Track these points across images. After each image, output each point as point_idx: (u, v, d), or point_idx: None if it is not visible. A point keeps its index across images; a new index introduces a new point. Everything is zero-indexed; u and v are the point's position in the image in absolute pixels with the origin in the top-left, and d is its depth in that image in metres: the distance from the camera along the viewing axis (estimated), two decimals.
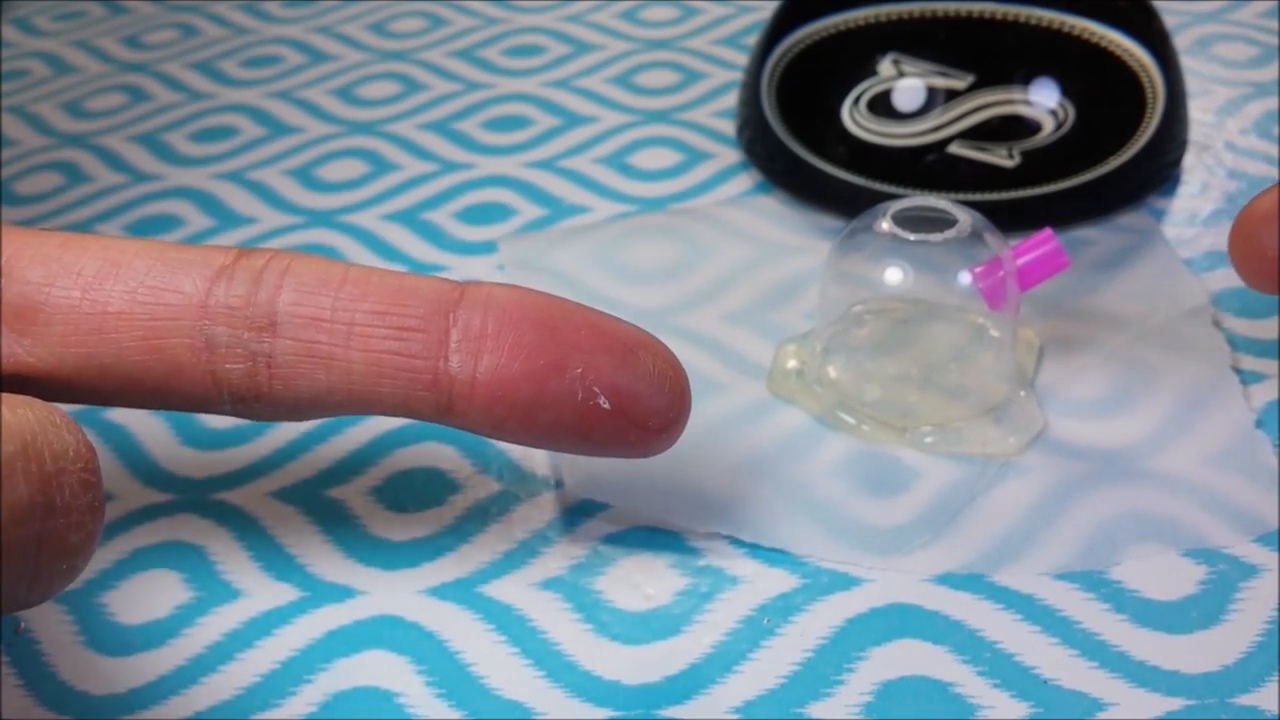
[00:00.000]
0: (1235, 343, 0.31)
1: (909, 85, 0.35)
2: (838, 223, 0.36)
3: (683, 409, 0.23)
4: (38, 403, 0.19)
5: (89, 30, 0.50)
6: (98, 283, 0.21)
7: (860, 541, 0.26)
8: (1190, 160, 0.39)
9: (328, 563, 0.26)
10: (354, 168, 0.40)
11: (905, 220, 0.28)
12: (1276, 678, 0.23)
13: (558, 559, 0.26)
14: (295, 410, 0.22)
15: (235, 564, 0.26)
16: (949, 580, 0.26)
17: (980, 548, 0.26)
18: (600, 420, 0.22)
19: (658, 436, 0.23)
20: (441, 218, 0.38)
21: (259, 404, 0.22)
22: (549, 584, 0.26)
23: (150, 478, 0.29)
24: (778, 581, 0.26)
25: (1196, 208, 0.37)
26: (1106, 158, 0.35)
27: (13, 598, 0.18)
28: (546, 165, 0.40)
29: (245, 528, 0.27)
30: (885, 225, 0.28)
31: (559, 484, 0.28)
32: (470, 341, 0.22)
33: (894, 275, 0.28)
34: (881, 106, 0.35)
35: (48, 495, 0.18)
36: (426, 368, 0.22)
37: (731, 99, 0.43)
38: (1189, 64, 0.43)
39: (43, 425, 0.18)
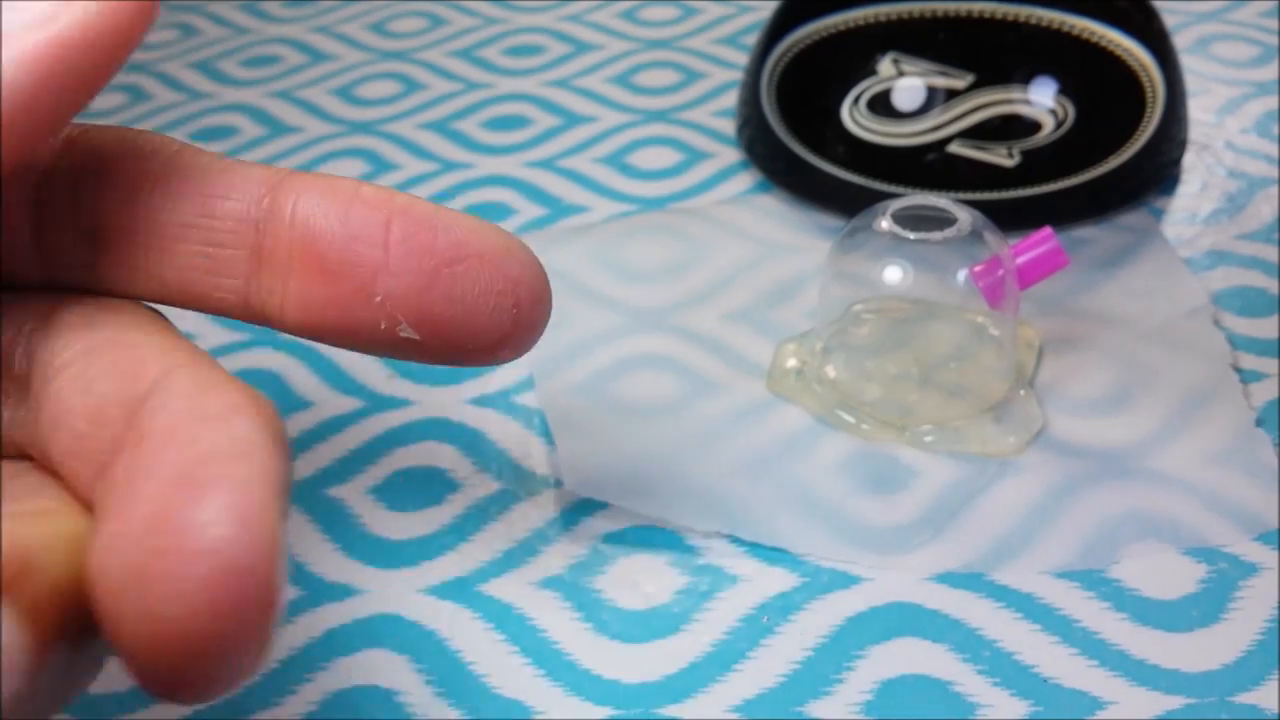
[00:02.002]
0: (1235, 342, 0.31)
1: (909, 85, 0.35)
2: (838, 222, 0.36)
3: (515, 327, 0.20)
4: None
5: None
6: None
7: (860, 540, 0.26)
8: (1190, 160, 0.39)
9: (328, 562, 0.26)
10: (354, 167, 0.40)
11: (905, 219, 0.28)
12: (1276, 676, 0.23)
13: (558, 558, 0.26)
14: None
15: None
16: (949, 579, 0.26)
17: (980, 547, 0.26)
18: (411, 347, 0.20)
19: (488, 356, 0.20)
20: None
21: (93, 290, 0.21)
22: (549, 583, 0.26)
23: None
24: (777, 580, 0.26)
25: (1196, 207, 0.37)
26: (1106, 157, 0.35)
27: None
28: (546, 165, 0.40)
29: None
30: (885, 224, 0.28)
31: (559, 483, 0.28)
32: (277, 263, 0.20)
33: (894, 274, 0.28)
34: (881, 106, 0.35)
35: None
36: (236, 287, 0.20)
37: (731, 99, 0.43)
38: (1189, 64, 0.43)
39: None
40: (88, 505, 0.17)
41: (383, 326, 0.20)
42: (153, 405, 0.16)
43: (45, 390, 0.18)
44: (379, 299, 0.20)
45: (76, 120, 0.21)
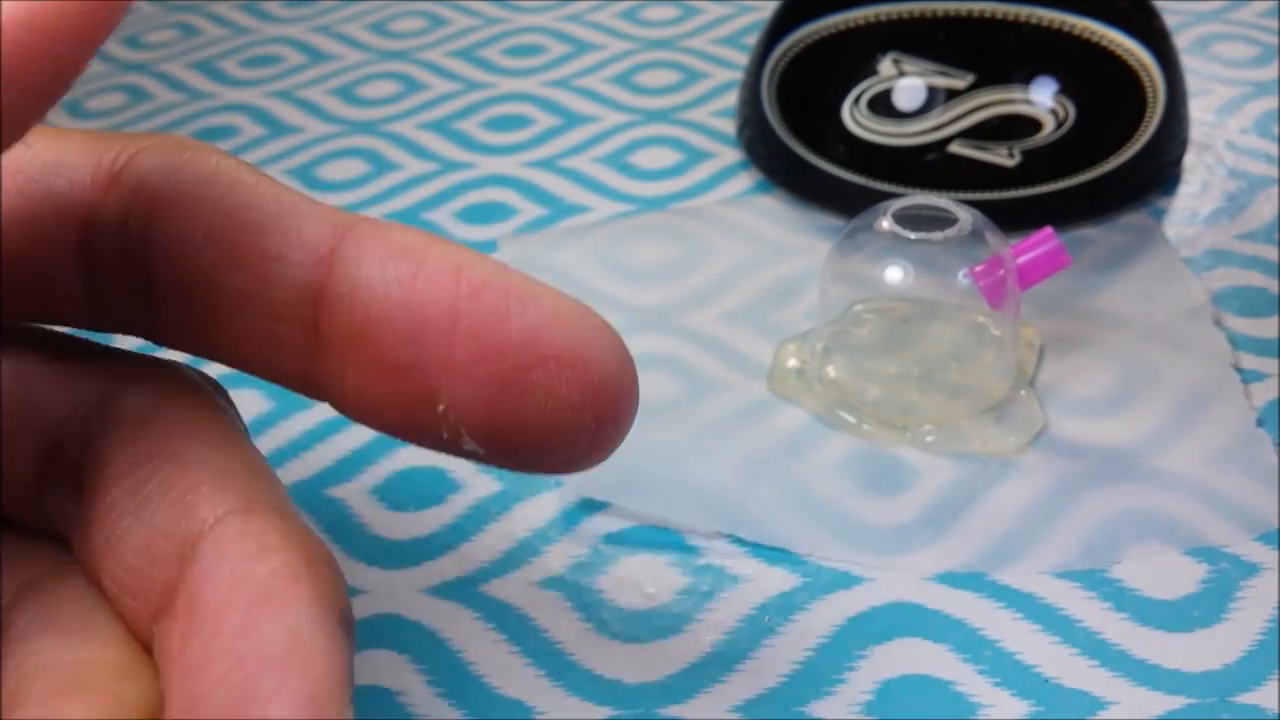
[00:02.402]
0: (1236, 342, 0.31)
1: (909, 85, 0.35)
2: (838, 222, 0.36)
3: (594, 441, 0.17)
4: None
5: None
6: None
7: (861, 540, 0.26)
8: (1190, 159, 0.39)
9: None
10: (354, 167, 0.40)
11: (905, 219, 0.28)
12: (1277, 676, 0.23)
13: (558, 558, 0.26)
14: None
15: None
16: (950, 579, 0.26)
17: (981, 546, 0.26)
18: (481, 459, 0.17)
19: (560, 470, 0.17)
20: (442, 217, 0.38)
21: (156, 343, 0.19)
22: (550, 583, 0.26)
23: None
24: (778, 580, 0.26)
25: (1197, 207, 0.37)
26: (1107, 157, 0.35)
27: None
28: (546, 165, 0.40)
29: None
30: (885, 224, 0.28)
31: (559, 483, 0.28)
32: (334, 347, 0.17)
33: (894, 274, 0.28)
34: (882, 106, 0.35)
35: None
36: (295, 368, 0.18)
37: (731, 99, 0.43)
38: (1189, 63, 0.43)
39: None
40: (144, 643, 0.16)
41: (446, 436, 0.17)
42: (204, 567, 0.15)
43: (96, 499, 0.17)
44: (442, 408, 0.17)
45: (120, 131, 0.19)
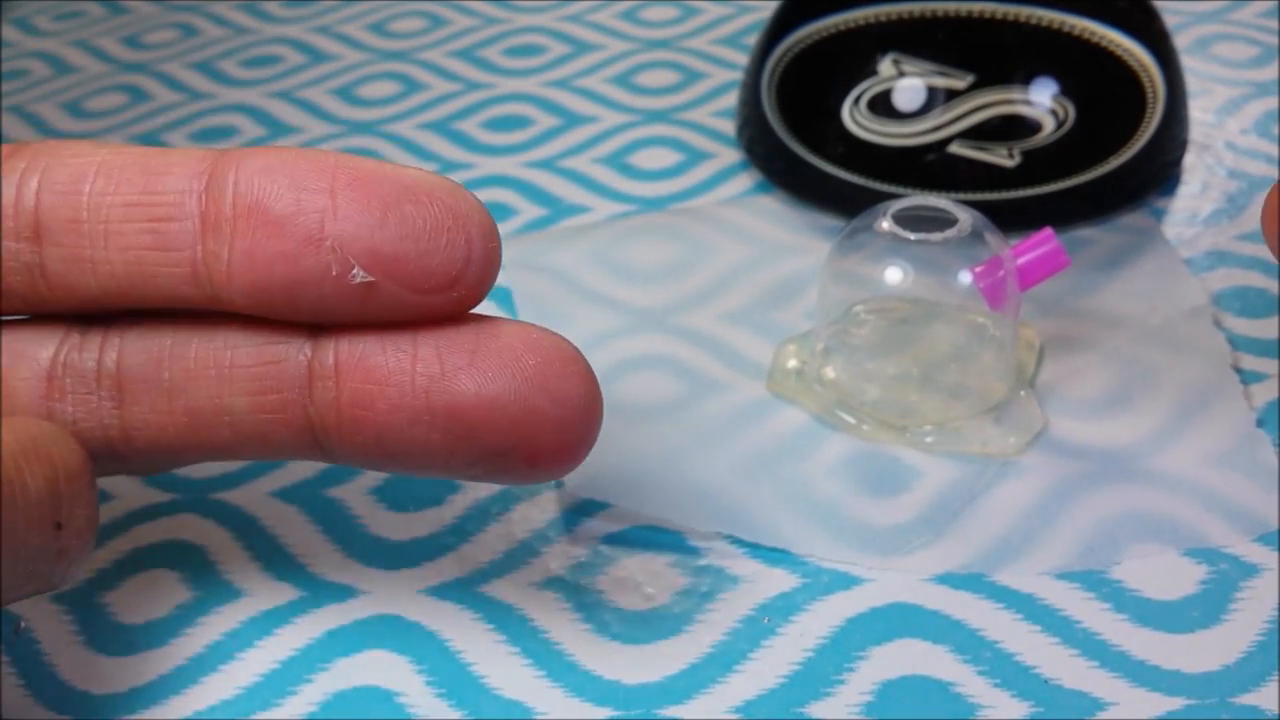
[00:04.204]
0: (1235, 342, 0.31)
1: (909, 85, 0.35)
2: (838, 223, 0.36)
3: (469, 262, 0.20)
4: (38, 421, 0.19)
5: (89, 30, 0.50)
6: None
7: (860, 541, 0.26)
8: (1190, 160, 0.39)
9: (328, 563, 0.26)
10: None
11: (905, 220, 0.28)
12: (1277, 677, 0.23)
13: (558, 559, 0.26)
14: (80, 313, 0.22)
15: (235, 564, 0.26)
16: (949, 580, 0.26)
17: (980, 547, 0.26)
18: (368, 294, 0.20)
19: (443, 296, 0.20)
20: None
21: (46, 310, 0.21)
22: (549, 584, 0.26)
23: (150, 478, 0.29)
24: (778, 581, 0.26)
25: (1197, 207, 0.37)
26: (1107, 157, 0.35)
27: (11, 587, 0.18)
28: (546, 165, 0.40)
29: (245, 528, 0.27)
30: (885, 225, 0.28)
31: (559, 484, 0.28)
32: (222, 224, 0.20)
33: (894, 275, 0.28)
34: (881, 106, 0.35)
35: (54, 492, 0.18)
36: (184, 259, 0.20)
37: (731, 99, 0.43)
38: (1189, 64, 0.43)
39: (45, 431, 0.19)
40: None
41: (334, 273, 0.19)
42: None
43: None
44: (328, 243, 0.19)
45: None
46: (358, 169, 0.20)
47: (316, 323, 0.21)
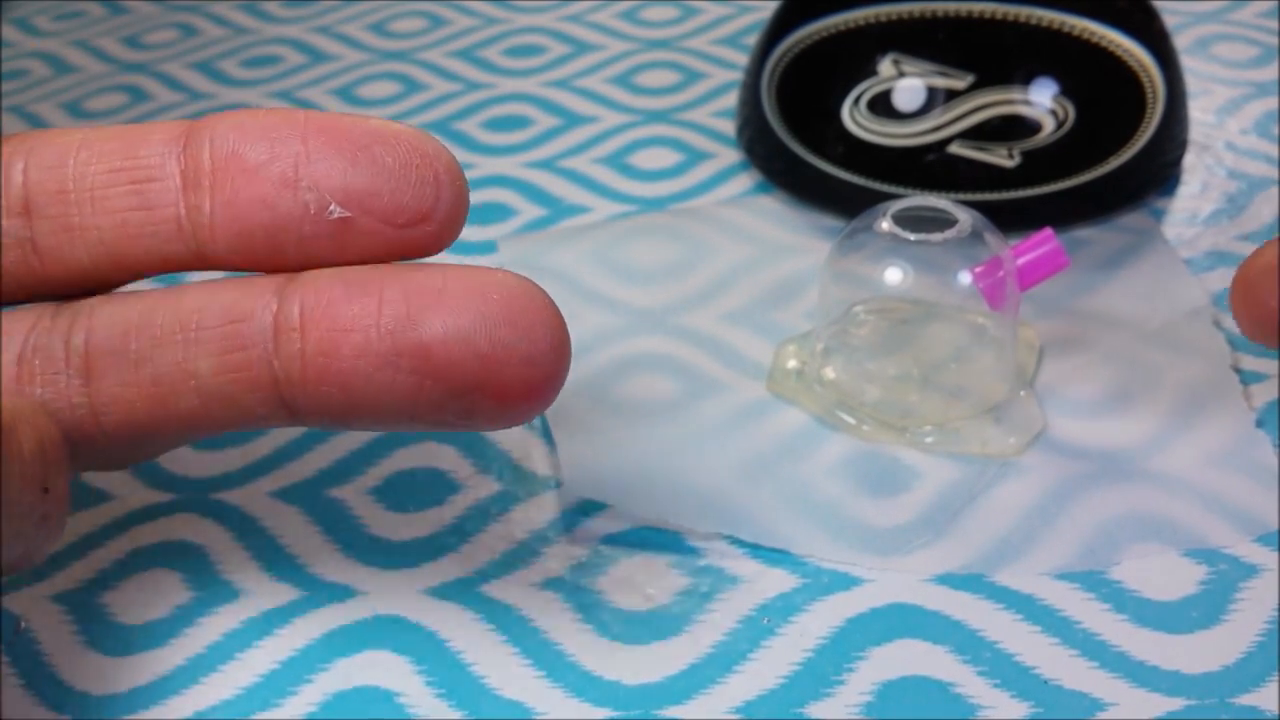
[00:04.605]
0: (1235, 343, 0.31)
1: (909, 85, 0.35)
2: (838, 223, 0.36)
3: (439, 198, 0.21)
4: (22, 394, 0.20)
5: (89, 30, 0.50)
6: None
7: (860, 541, 0.26)
8: (1190, 160, 0.39)
9: (328, 563, 0.26)
10: None
11: (905, 220, 0.28)
12: (1277, 678, 0.23)
13: (558, 559, 0.26)
14: (74, 290, 0.22)
15: (235, 564, 0.26)
16: (949, 580, 0.26)
17: (980, 548, 0.26)
18: (346, 230, 0.21)
19: (418, 230, 0.21)
20: None
21: (43, 290, 0.22)
22: (549, 584, 0.26)
23: (150, 478, 0.29)
24: (778, 581, 0.26)
25: (1196, 208, 0.37)
26: (1106, 158, 0.35)
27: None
28: (546, 165, 0.40)
29: (245, 528, 0.27)
30: (885, 225, 0.28)
31: (559, 484, 0.28)
32: (201, 179, 0.21)
33: (894, 275, 0.28)
34: (881, 106, 0.35)
35: (43, 454, 0.19)
36: (167, 215, 0.21)
37: (731, 99, 0.43)
38: (1189, 64, 0.43)
39: (26, 402, 0.20)
40: None
41: (312, 210, 0.21)
42: None
43: None
44: (304, 184, 0.20)
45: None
46: (326, 119, 0.21)
47: (299, 268, 0.21)
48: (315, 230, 0.21)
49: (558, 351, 0.21)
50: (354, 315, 0.20)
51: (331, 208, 0.21)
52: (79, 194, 0.21)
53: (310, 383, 0.21)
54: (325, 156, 0.21)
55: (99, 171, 0.21)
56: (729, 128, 0.41)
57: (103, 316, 0.22)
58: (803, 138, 0.37)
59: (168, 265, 0.22)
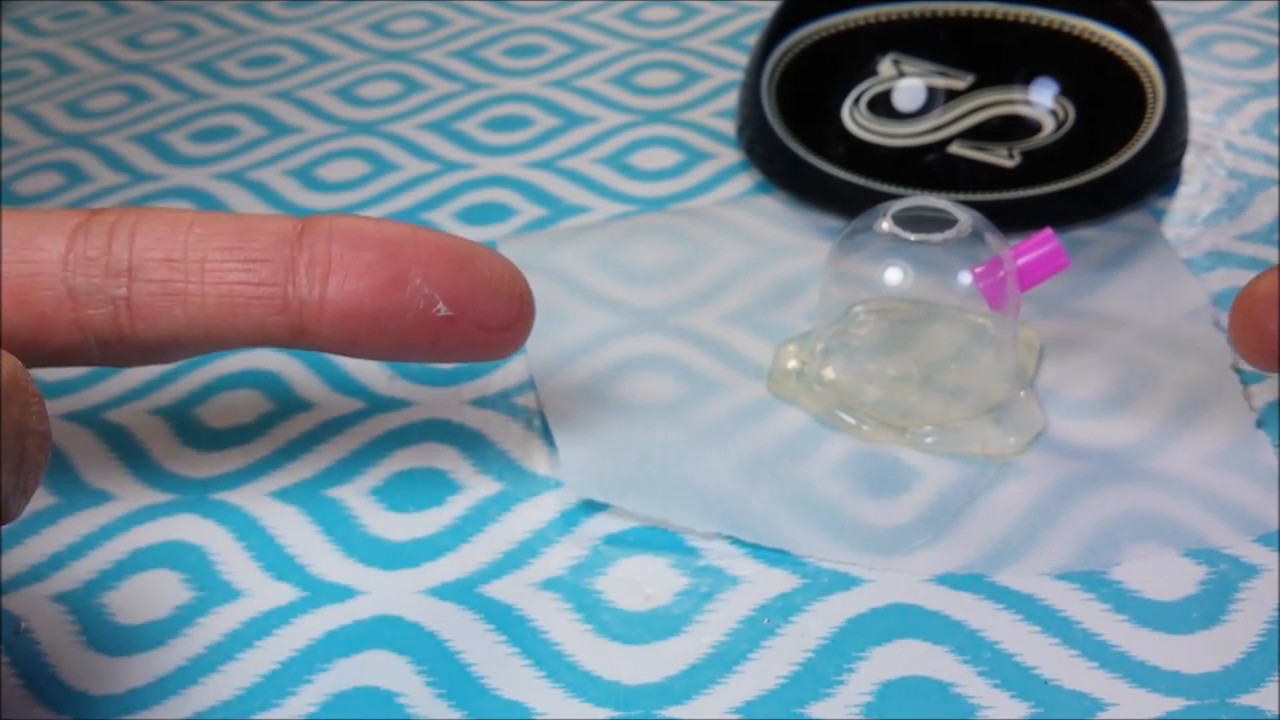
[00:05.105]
0: None
1: (909, 85, 0.35)
2: (838, 223, 0.36)
3: (521, 309, 0.25)
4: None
5: (89, 30, 0.50)
6: None
7: (860, 542, 0.26)
8: (1190, 160, 0.39)
9: (328, 563, 0.26)
10: (354, 168, 0.40)
11: (905, 220, 0.28)
12: (1277, 678, 0.23)
13: (558, 559, 0.26)
14: (159, 351, 0.24)
15: (235, 564, 0.26)
16: (949, 580, 0.26)
17: (980, 548, 0.26)
18: (443, 326, 0.24)
19: (501, 336, 0.24)
20: (441, 218, 0.38)
21: (123, 347, 0.24)
22: (549, 584, 0.26)
23: (150, 478, 0.29)
24: (778, 581, 0.26)
25: (1197, 208, 0.37)
26: (1107, 158, 0.35)
27: None
28: (546, 165, 0.40)
29: (245, 528, 0.27)
30: (885, 225, 0.28)
31: (559, 484, 0.28)
32: (316, 265, 0.23)
33: (894, 275, 0.28)
34: (882, 106, 0.35)
35: (18, 385, 0.20)
36: (276, 294, 0.23)
37: (731, 99, 0.43)
38: (1189, 64, 0.43)
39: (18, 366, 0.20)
40: None
41: (421, 306, 0.23)
42: None
43: None
44: (418, 281, 0.23)
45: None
46: (430, 233, 0.24)
47: (388, 355, 0.24)
48: (419, 324, 0.23)
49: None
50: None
51: (439, 306, 0.23)
52: (189, 263, 0.23)
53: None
54: (434, 263, 0.23)
55: (213, 246, 0.23)
56: (729, 128, 0.41)
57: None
58: (803, 138, 0.37)
59: (263, 339, 0.24)
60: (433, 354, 0.24)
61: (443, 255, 0.24)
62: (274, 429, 0.30)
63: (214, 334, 0.24)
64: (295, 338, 0.24)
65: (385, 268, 0.23)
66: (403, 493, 0.28)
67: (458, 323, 0.24)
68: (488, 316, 0.24)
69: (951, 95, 0.34)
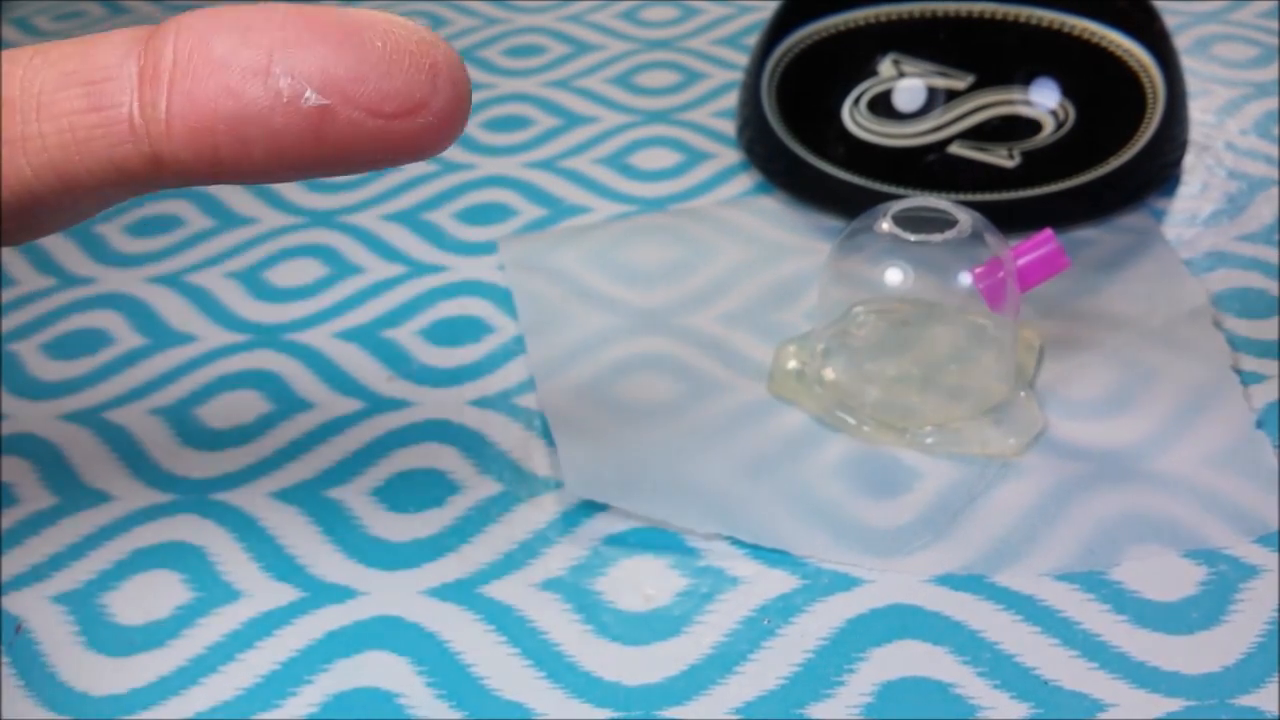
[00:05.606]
0: (1235, 343, 0.31)
1: (909, 85, 0.35)
2: (838, 223, 0.36)
3: (434, 84, 0.19)
4: None
5: (89, 30, 0.50)
6: None
7: (861, 542, 0.26)
8: (1190, 160, 0.39)
9: (328, 563, 0.26)
10: None
11: (905, 221, 0.28)
12: (1276, 678, 0.23)
13: (558, 559, 0.26)
14: (24, 214, 0.20)
15: (235, 564, 0.26)
16: (949, 581, 0.26)
17: (980, 548, 0.26)
18: (320, 118, 0.19)
19: (407, 122, 0.19)
20: (442, 218, 0.38)
21: None
22: (549, 584, 0.26)
23: (150, 478, 0.29)
24: (778, 582, 0.26)
25: (1196, 208, 0.37)
26: (1107, 158, 0.35)
27: None
28: (546, 165, 0.40)
29: (245, 528, 0.27)
30: (885, 226, 0.28)
31: (559, 484, 0.28)
32: (161, 73, 0.19)
33: (894, 276, 0.28)
34: (882, 107, 0.35)
35: None
36: (120, 116, 0.19)
37: (731, 99, 0.43)
38: (1189, 64, 0.43)
39: None
40: None
41: (285, 99, 0.18)
42: None
43: None
44: (277, 70, 0.18)
45: None
46: (313, 9, 0.19)
47: (267, 171, 0.19)
48: (287, 122, 0.19)
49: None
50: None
51: (307, 94, 0.18)
52: (25, 100, 0.19)
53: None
54: (305, 43, 0.18)
55: (49, 75, 0.19)
56: (729, 128, 0.41)
57: None
58: (803, 138, 0.37)
59: (120, 175, 0.20)
60: (328, 160, 0.19)
61: (316, 30, 0.19)
62: (274, 429, 0.30)
63: (67, 179, 0.20)
64: (154, 170, 0.20)
65: (237, 59, 0.18)
66: (403, 493, 0.28)
67: (338, 112, 0.19)
68: (381, 100, 0.19)
69: (951, 95, 0.34)
